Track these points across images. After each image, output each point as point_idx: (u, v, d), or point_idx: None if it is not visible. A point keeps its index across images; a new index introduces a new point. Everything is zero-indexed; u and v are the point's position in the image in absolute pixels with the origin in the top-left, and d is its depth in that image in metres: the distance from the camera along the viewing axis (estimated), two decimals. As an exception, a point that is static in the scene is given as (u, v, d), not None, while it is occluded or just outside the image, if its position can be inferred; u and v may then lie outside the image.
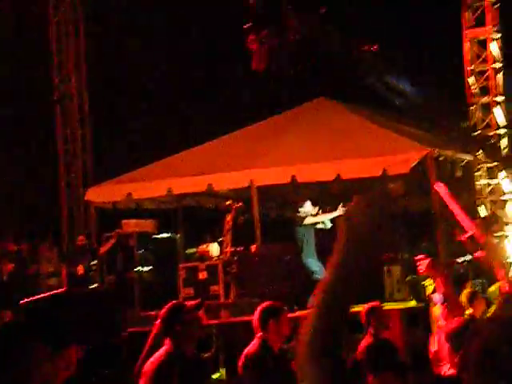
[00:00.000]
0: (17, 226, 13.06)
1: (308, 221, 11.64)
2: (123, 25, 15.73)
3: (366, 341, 6.57)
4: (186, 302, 5.59)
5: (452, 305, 5.06)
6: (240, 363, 5.85)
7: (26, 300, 7.42)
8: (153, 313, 9.26)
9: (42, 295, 8.20)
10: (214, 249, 11.83)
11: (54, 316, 6.61)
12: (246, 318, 9.37)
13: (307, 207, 11.76)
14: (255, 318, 5.92)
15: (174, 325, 5.13)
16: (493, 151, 12.72)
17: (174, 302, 5.49)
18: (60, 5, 15.06)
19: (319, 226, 11.82)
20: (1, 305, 9.34)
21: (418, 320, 9.89)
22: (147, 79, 16.43)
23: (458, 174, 12.46)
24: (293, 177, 11.83)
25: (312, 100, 13.63)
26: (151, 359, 5.12)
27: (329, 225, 11.79)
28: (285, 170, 11.91)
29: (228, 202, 11.88)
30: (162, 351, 5.12)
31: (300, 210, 11.71)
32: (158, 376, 5.04)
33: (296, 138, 12.60)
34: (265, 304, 5.99)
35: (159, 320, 5.26)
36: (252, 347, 5.91)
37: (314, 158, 11.93)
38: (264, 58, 11.64)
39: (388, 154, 11.30)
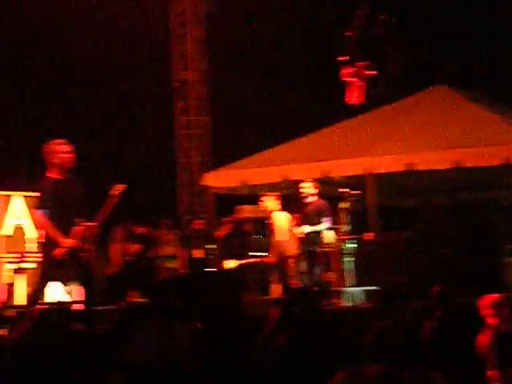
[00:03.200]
0: (136, 209, 13.41)
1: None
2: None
3: (485, 335, 6.44)
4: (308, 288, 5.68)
5: None
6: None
7: (148, 281, 7.68)
8: (268, 297, 9.40)
9: (164, 277, 8.47)
10: (328, 236, 11.84)
11: (175, 296, 6.78)
12: (361, 306, 9.37)
13: None
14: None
15: (294, 309, 5.21)
16: None
17: (295, 286, 5.59)
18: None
19: None
20: (129, 285, 9.69)
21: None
22: (271, 65, 16.44)
23: None
24: (409, 165, 11.69)
25: (430, 87, 13.42)
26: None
27: None
28: (401, 157, 11.78)
29: (343, 190, 11.85)
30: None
31: None
32: None
33: (413, 125, 12.44)
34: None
35: (279, 305, 5.35)
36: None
37: (431, 145, 11.75)
38: (360, 92, 11.46)
39: (510, 143, 11.01)
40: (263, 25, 16.46)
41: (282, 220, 11.61)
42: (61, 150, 7.52)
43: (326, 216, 11.27)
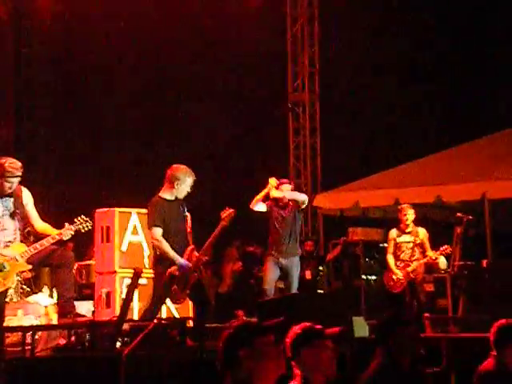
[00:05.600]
0: (245, 228, 13.51)
1: None
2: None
3: None
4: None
5: None
6: (474, 381, 5.69)
7: (258, 301, 7.72)
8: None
9: (275, 297, 8.50)
10: (441, 261, 11.60)
11: (284, 314, 6.79)
12: (475, 335, 9.10)
13: None
14: (492, 335, 5.72)
15: (388, 335, 5.12)
16: None
17: (391, 312, 5.47)
18: (298, 16, 15.52)
19: None
20: (239, 304, 9.79)
21: None
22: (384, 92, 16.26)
23: None
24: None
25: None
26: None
27: None
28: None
29: (458, 215, 11.59)
30: (375, 361, 5.13)
31: None
32: None
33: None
34: (503, 322, 5.76)
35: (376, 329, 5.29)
36: (487, 365, 5.72)
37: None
38: None
39: None
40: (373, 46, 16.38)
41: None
42: (186, 178, 7.64)
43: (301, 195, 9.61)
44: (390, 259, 10.41)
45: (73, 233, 7.24)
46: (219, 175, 15.81)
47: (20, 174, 7.04)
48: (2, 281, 7.01)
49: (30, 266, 7.17)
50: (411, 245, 10.28)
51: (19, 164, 7.03)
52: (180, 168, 7.66)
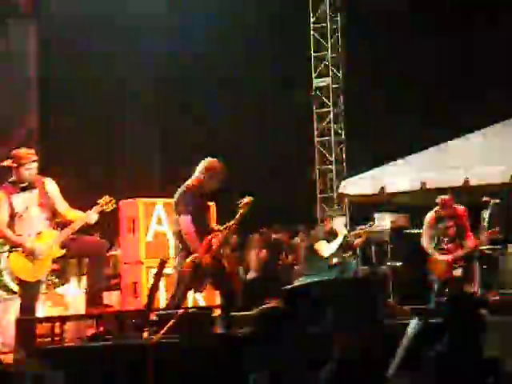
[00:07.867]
0: (271, 216, 13.50)
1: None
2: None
3: None
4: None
5: None
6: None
7: (285, 287, 7.70)
8: (406, 307, 9.21)
9: (301, 283, 8.51)
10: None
11: (313, 301, 6.77)
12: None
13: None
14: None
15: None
16: None
17: None
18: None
19: None
20: (266, 291, 9.79)
21: None
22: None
23: None
24: None
25: None
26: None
27: None
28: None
29: (485, 199, 11.48)
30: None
31: None
32: None
33: None
34: None
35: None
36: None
37: None
38: None
39: None
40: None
41: None
42: (218, 172, 7.69)
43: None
44: (430, 245, 9.96)
45: (97, 215, 7.32)
46: (245, 163, 15.80)
47: (36, 158, 7.19)
48: (40, 269, 7.10)
49: (64, 251, 7.24)
50: (454, 227, 9.83)
51: (32, 150, 7.25)
52: (210, 161, 7.72)
